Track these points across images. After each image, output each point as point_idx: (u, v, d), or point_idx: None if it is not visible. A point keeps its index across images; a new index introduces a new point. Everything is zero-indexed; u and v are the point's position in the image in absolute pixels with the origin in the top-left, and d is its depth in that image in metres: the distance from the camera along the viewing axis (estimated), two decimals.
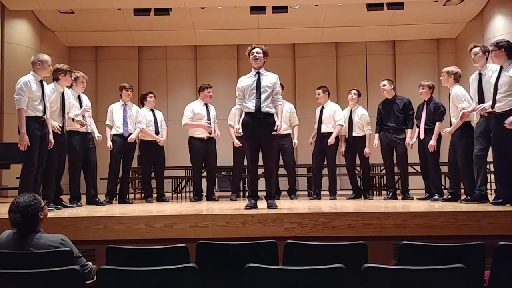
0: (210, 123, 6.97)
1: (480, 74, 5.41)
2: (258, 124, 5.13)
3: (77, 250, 2.94)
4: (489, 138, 5.20)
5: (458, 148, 5.73)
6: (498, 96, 4.98)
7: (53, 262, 2.54)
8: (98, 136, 6.52)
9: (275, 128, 5.11)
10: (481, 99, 5.34)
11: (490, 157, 5.37)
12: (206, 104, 7.12)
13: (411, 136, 6.60)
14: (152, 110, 7.20)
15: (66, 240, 2.90)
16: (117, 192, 7.01)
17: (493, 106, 5.06)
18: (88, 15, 10.65)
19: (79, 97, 6.23)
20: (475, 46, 5.48)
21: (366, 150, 6.98)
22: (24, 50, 10.13)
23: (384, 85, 6.82)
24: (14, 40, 10.14)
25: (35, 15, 10.73)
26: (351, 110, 7.15)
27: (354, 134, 7.05)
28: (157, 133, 7.10)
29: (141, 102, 7.29)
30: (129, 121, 6.78)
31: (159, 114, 7.27)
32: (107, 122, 6.81)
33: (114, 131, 6.72)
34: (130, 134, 6.76)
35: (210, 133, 6.99)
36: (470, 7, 10.55)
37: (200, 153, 7.04)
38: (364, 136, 7.06)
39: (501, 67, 5.05)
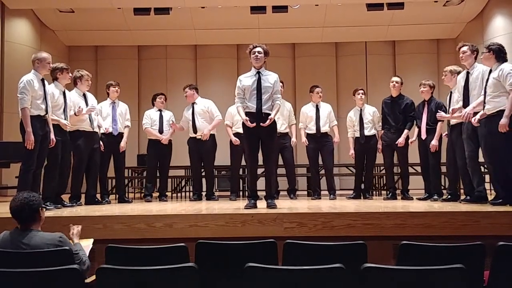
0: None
1: (467, 73, 5.45)
2: (259, 124, 5.12)
3: (75, 247, 2.96)
4: (477, 139, 5.23)
5: (458, 147, 5.73)
6: (486, 98, 5.03)
7: (52, 261, 2.54)
8: (106, 128, 6.45)
9: (269, 119, 5.07)
10: (466, 98, 5.40)
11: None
12: (192, 105, 7.11)
13: (405, 137, 6.58)
14: (160, 110, 7.23)
15: (64, 238, 2.91)
16: (114, 192, 6.97)
17: (470, 107, 5.15)
18: (88, 14, 10.65)
19: (84, 95, 6.21)
20: (463, 45, 5.54)
21: (379, 146, 6.96)
22: (24, 49, 10.12)
23: (397, 82, 6.77)
24: (14, 39, 10.14)
25: (35, 14, 10.73)
26: (360, 110, 7.11)
27: (366, 133, 6.99)
28: (161, 132, 7.11)
29: (152, 103, 7.33)
30: (118, 120, 6.75)
31: (167, 114, 7.28)
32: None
33: (103, 130, 6.57)
34: (120, 133, 6.72)
35: (194, 133, 6.98)
36: (470, 8, 10.55)
37: (196, 153, 7.06)
38: (375, 135, 7.02)
39: (490, 70, 5.10)
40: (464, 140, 5.44)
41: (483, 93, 5.14)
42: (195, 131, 6.98)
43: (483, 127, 5.06)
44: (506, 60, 5.07)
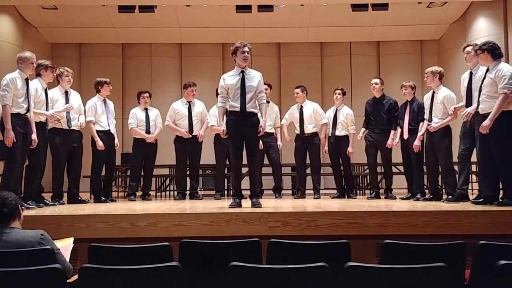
0: (187, 131, 6.94)
1: (471, 73, 5.46)
2: (243, 122, 5.14)
3: (56, 246, 2.93)
4: (473, 138, 5.26)
5: (439, 149, 5.80)
6: (481, 98, 5.02)
7: (33, 261, 2.50)
8: (81, 123, 6.26)
9: (259, 130, 5.13)
10: (469, 99, 5.39)
11: (474, 157, 5.44)
12: (189, 102, 7.10)
13: (393, 138, 6.64)
14: (145, 109, 7.17)
15: (45, 235, 2.88)
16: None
17: (477, 107, 5.12)
18: (71, 11, 10.53)
19: (66, 93, 6.11)
20: (468, 45, 5.54)
21: (349, 149, 7.00)
22: (6, 46, 9.97)
23: (376, 83, 6.84)
24: None
25: (18, 10, 10.57)
26: (336, 109, 7.16)
27: (337, 133, 7.05)
28: (148, 132, 7.06)
29: (138, 101, 7.28)
30: (111, 117, 6.72)
31: (153, 113, 7.23)
32: (91, 118, 6.50)
33: (98, 127, 6.52)
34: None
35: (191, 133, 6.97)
36: (453, 9, 10.68)
37: (184, 152, 7.03)
38: (347, 136, 7.07)
39: (487, 69, 5.08)
40: (460, 138, 5.49)
41: (477, 92, 5.10)
42: (191, 131, 6.95)
43: (477, 126, 5.01)
44: (501, 56, 5.02)
